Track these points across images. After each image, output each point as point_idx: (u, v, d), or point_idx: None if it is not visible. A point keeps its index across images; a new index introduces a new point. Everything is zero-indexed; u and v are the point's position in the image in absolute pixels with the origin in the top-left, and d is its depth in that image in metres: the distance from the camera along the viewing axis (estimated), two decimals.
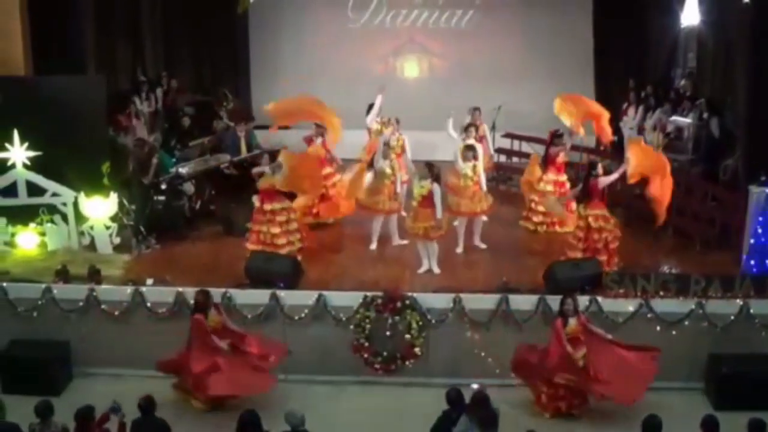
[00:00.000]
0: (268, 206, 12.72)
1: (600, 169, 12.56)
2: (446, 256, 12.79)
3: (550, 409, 10.62)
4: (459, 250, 13.51)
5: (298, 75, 19.72)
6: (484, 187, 13.76)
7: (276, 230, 12.67)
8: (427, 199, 12.35)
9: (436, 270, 12.62)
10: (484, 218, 14.10)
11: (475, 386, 8.75)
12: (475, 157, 13.60)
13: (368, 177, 14.10)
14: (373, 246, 13.73)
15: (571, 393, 10.55)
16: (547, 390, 10.60)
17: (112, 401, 8.74)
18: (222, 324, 10.76)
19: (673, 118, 16.39)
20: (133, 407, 8.77)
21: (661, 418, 8.32)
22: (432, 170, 12.36)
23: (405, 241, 13.57)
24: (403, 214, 13.49)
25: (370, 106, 15.29)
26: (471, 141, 14.17)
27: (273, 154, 13.40)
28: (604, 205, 12.62)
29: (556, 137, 14.51)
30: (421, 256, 12.73)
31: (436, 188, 12.32)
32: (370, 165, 13.82)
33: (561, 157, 14.41)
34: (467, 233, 13.67)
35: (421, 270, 12.69)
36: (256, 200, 12.84)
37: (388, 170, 13.40)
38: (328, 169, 14.55)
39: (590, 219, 12.44)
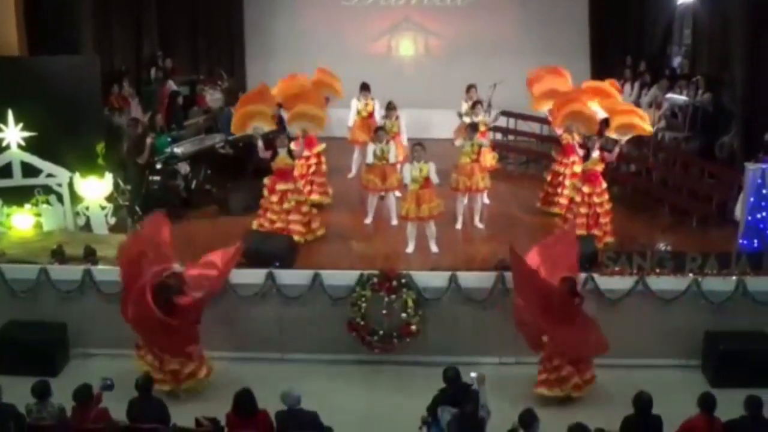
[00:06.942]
0: (281, 186, 12.71)
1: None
2: (443, 235, 12.77)
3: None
4: (458, 226, 13.51)
5: (292, 53, 19.64)
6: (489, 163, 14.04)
7: (288, 207, 12.72)
8: (427, 179, 12.35)
9: (435, 249, 12.58)
10: (486, 200, 14.10)
11: (473, 375, 8.65)
12: (483, 134, 13.74)
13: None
14: (368, 220, 13.78)
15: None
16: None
17: (102, 378, 8.76)
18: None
19: (669, 95, 16.34)
20: (131, 386, 8.81)
21: (651, 394, 8.37)
22: (424, 150, 12.35)
23: None
24: (397, 194, 13.48)
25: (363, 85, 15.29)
26: (480, 118, 14.15)
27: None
28: (603, 181, 12.65)
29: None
30: (408, 238, 12.63)
31: (432, 165, 12.34)
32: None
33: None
34: (467, 213, 13.69)
35: (409, 250, 12.61)
36: (267, 181, 12.83)
37: (379, 152, 13.35)
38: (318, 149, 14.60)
39: (595, 198, 12.53)
